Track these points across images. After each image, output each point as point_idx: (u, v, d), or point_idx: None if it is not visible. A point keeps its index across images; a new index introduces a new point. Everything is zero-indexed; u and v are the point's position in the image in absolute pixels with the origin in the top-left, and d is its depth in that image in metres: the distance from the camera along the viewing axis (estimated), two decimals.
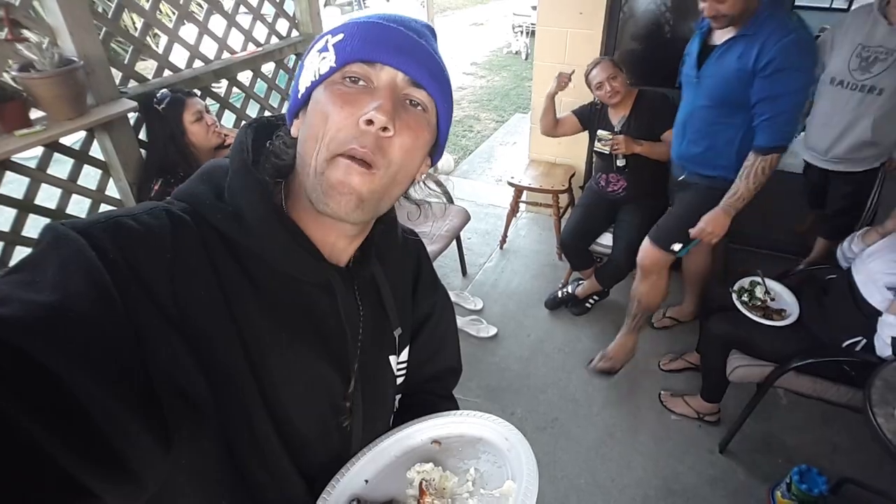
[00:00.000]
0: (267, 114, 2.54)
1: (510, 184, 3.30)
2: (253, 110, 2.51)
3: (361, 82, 0.54)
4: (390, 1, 8.59)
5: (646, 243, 2.28)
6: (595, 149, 2.68)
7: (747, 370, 1.97)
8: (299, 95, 0.58)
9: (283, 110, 2.77)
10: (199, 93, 2.07)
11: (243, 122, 0.66)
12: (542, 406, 2.40)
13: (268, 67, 2.55)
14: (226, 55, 2.31)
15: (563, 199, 3.34)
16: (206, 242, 0.53)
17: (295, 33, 2.65)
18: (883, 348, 1.68)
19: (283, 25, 2.59)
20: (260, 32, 2.47)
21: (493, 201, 4.09)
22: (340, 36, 0.55)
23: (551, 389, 2.48)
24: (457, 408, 0.85)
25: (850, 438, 2.17)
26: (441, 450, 0.68)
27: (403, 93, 0.55)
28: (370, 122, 0.51)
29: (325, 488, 0.62)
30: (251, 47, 2.44)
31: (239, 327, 0.53)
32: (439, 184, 0.73)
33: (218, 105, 2.32)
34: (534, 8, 3.20)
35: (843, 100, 2.40)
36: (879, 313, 1.70)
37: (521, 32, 9.08)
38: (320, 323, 0.62)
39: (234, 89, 2.38)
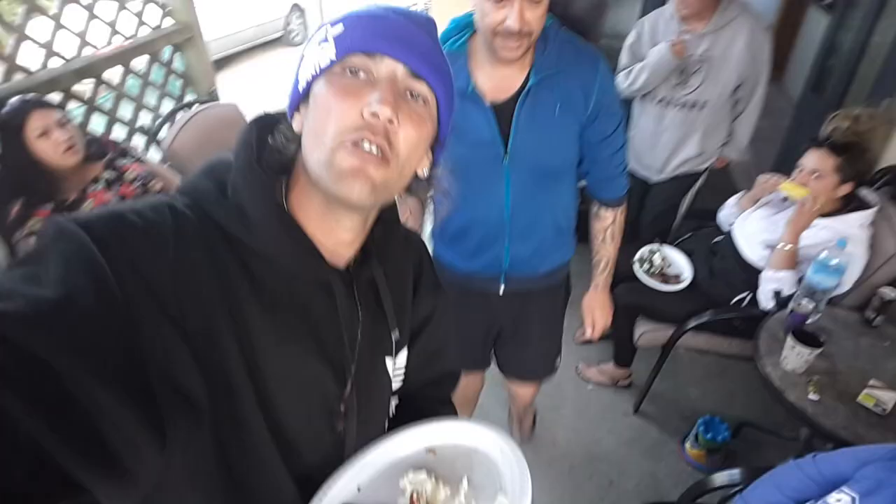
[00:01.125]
0: (144, 114, 2.33)
1: None
2: (126, 111, 2.27)
3: (362, 74, 0.53)
4: None
5: (523, 385, 1.88)
6: None
7: (652, 335, 2.09)
8: (299, 88, 0.57)
9: (163, 109, 2.51)
10: (56, 100, 1.83)
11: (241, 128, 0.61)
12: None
13: (141, 62, 2.32)
14: (88, 51, 2.07)
15: None
16: (207, 238, 0.53)
17: (169, 21, 2.43)
18: (766, 301, 1.84)
19: (153, 14, 2.35)
20: (128, 24, 2.24)
21: None
22: (340, 27, 0.54)
23: None
24: (455, 413, 0.85)
25: (745, 386, 2.38)
26: (435, 458, 0.67)
27: (404, 85, 0.54)
28: (374, 114, 0.51)
29: (316, 494, 0.60)
30: (118, 41, 2.21)
31: (237, 325, 0.53)
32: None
33: (84, 108, 2.08)
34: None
35: (668, 118, 2.30)
36: (759, 270, 1.87)
37: None
38: (318, 324, 0.61)
39: (103, 89, 2.14)
